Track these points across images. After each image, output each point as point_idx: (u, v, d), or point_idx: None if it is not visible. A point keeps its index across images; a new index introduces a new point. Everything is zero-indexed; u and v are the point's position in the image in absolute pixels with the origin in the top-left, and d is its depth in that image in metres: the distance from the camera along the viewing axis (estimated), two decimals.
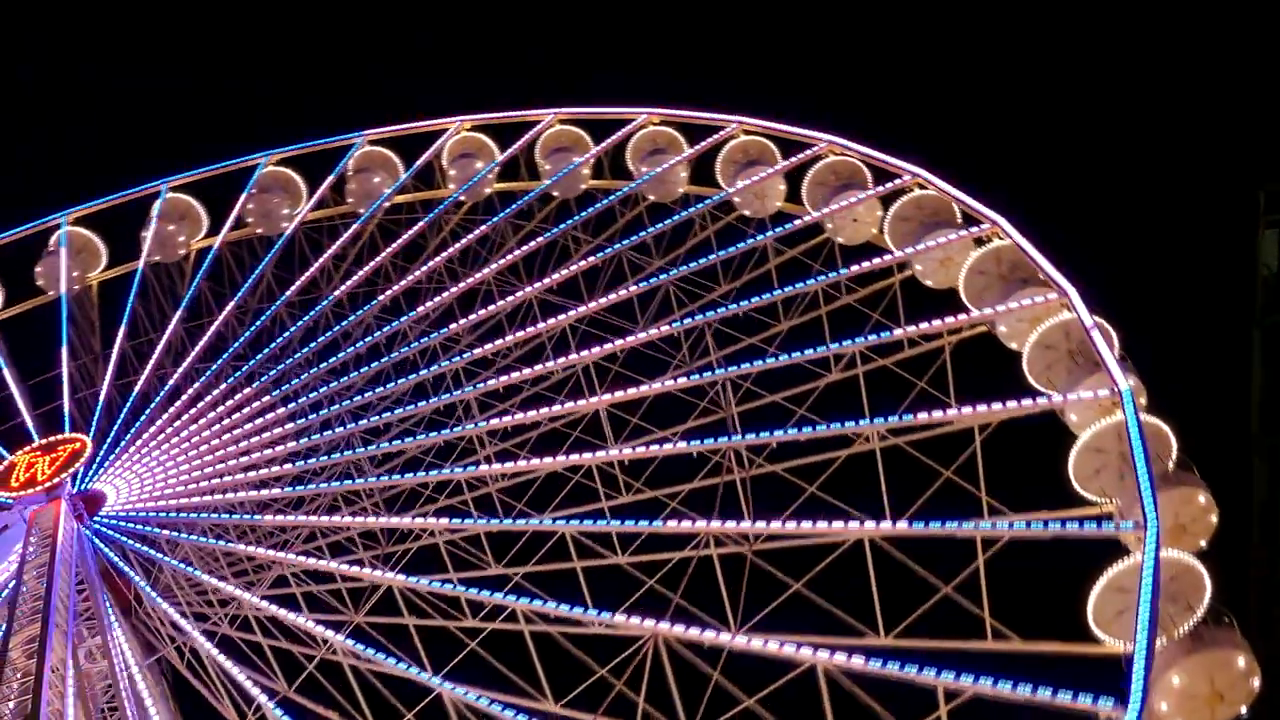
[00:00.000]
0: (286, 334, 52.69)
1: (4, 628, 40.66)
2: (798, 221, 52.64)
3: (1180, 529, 39.84)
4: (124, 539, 44.77)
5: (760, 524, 40.37)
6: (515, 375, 48.40)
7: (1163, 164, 76.43)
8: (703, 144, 56.76)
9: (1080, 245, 68.65)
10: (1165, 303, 71.78)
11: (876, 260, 48.84)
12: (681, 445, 44.21)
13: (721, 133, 56.35)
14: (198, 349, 52.58)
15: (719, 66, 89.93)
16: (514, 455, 47.78)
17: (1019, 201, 50.51)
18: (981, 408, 41.88)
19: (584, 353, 47.89)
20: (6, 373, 54.01)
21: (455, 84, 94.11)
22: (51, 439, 47.95)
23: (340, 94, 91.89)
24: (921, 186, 50.33)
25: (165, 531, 45.08)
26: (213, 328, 53.80)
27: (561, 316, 49.67)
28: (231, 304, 55.19)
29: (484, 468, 46.06)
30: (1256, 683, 35.70)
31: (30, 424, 50.78)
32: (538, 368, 48.20)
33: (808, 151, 53.82)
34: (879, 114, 76.28)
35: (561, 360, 47.92)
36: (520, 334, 49.80)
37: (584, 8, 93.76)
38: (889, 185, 51.49)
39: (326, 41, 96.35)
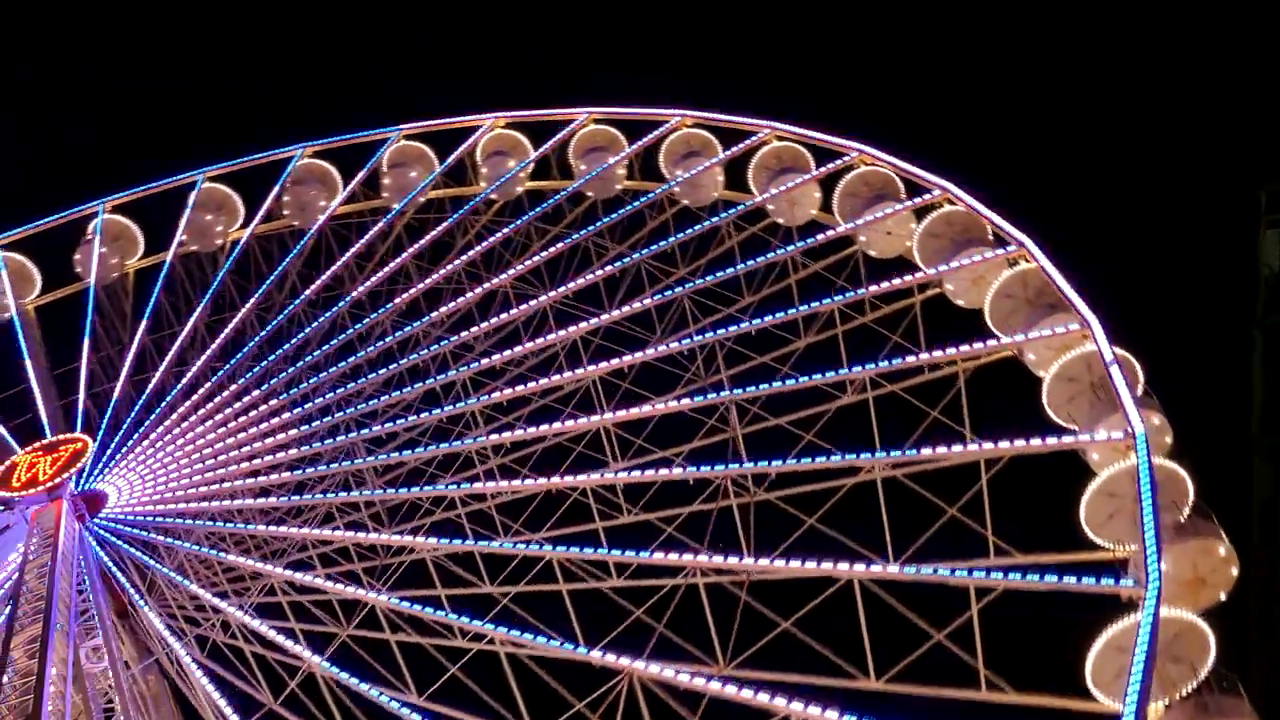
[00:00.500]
0: (303, 334, 52.33)
1: (5, 627, 40.84)
2: (829, 232, 50.97)
3: (1199, 581, 38.16)
4: (119, 542, 44.78)
5: (748, 560, 39.04)
6: (521, 389, 47.51)
7: (1163, 164, 75.27)
8: (736, 149, 55.34)
9: (1079, 245, 67.31)
10: (1165, 303, 70.79)
11: (898, 281, 47.06)
12: (678, 471, 42.99)
13: (754, 138, 54.91)
14: (213, 347, 52.41)
15: (751, 71, 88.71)
16: (516, 469, 47.17)
17: (1018, 200, 49.30)
18: (988, 445, 40.20)
19: (591, 367, 46.87)
20: (29, 365, 54.37)
21: (463, 84, 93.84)
22: (53, 439, 48.14)
23: (340, 94, 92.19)
24: (950, 202, 48.42)
25: (160, 537, 45.02)
26: (232, 324, 53.58)
27: (573, 328, 48.68)
28: (254, 300, 54.93)
29: (479, 485, 45.38)
30: None
31: (45, 419, 51.00)
32: (544, 381, 47.27)
33: (839, 161, 52.20)
34: (892, 120, 74.49)
35: (568, 375, 46.90)
36: (532, 344, 48.93)
37: (614, 8, 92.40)
38: (922, 199, 49.65)
39: (328, 40, 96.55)
